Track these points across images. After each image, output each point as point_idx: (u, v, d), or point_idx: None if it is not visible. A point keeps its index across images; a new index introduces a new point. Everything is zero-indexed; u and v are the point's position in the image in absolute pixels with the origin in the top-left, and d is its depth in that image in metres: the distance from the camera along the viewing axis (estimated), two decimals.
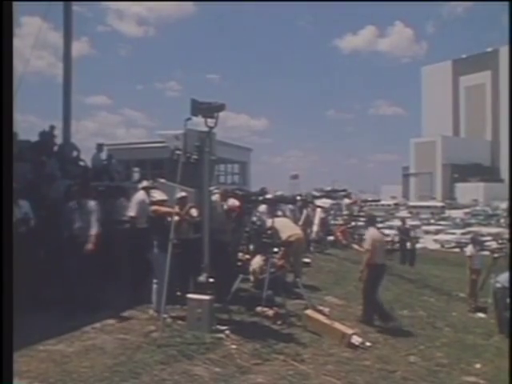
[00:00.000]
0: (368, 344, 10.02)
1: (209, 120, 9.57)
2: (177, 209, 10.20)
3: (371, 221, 13.01)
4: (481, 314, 15.71)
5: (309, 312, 10.61)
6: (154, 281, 9.86)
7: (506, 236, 51.64)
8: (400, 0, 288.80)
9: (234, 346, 8.58)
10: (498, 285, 13.88)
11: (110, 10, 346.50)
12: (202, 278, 9.38)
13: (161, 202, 10.17)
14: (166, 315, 9.25)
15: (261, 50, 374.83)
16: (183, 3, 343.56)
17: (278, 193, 16.38)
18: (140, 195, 11.46)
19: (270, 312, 10.43)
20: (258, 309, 10.54)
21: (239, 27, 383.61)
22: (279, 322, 10.26)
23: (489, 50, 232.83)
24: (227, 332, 9.08)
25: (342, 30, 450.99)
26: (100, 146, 19.07)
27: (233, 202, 12.55)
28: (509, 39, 13.40)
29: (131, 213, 11.36)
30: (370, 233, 12.16)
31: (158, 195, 10.39)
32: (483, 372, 9.91)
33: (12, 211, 7.03)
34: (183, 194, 10.51)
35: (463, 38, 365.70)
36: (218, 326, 9.20)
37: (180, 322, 9.42)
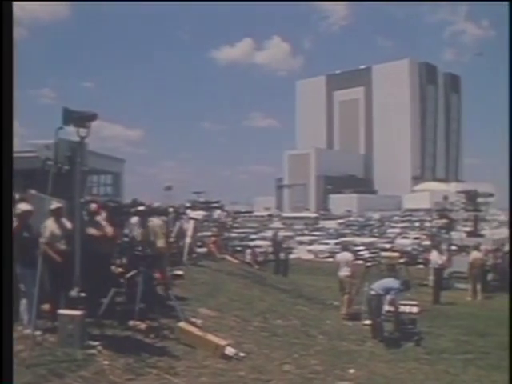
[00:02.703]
0: (242, 354, 10.07)
1: (81, 129, 9.32)
2: (51, 220, 9.92)
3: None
4: (354, 321, 16.10)
5: (182, 324, 10.54)
6: (22, 296, 9.50)
7: (379, 245, 53.51)
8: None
9: (106, 362, 8.37)
10: (373, 292, 14.32)
11: None
12: (74, 293, 9.13)
13: (25, 214, 9.80)
14: (37, 333, 8.93)
15: (138, 59, 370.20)
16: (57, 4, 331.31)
17: (155, 204, 16.27)
18: None
19: (143, 325, 10.31)
20: (131, 323, 10.38)
21: (116, 35, 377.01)
22: (152, 336, 10.15)
23: (362, 67, 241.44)
24: (99, 348, 8.86)
25: (219, 42, 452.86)
26: None
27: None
28: (508, 39, 13.83)
29: None
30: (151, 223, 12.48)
31: (22, 206, 10.00)
32: (357, 377, 10.24)
33: (12, 212, 6.72)
34: (59, 204, 10.17)
35: (338, 54, 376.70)
36: (90, 342, 8.96)
37: (51, 339, 9.12)
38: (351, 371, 10.54)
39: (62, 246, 10.16)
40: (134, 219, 13.39)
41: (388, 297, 14.18)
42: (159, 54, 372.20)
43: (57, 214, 10.16)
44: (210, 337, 10.16)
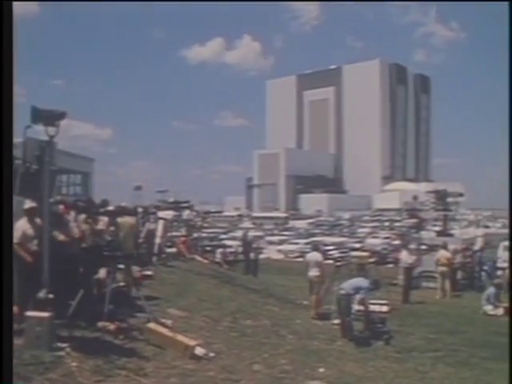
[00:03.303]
0: (212, 355, 10.08)
1: (49, 128, 9.19)
2: (24, 220, 9.82)
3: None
4: (324, 321, 16.14)
5: (151, 325, 10.50)
6: None
7: (349, 245, 53.81)
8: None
9: (74, 364, 8.28)
10: (342, 291, 14.36)
11: None
12: (42, 295, 9.03)
13: None
14: None
15: (109, 57, 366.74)
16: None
17: (124, 204, 16.20)
18: None
19: (112, 326, 10.23)
20: (100, 324, 10.29)
21: (86, 32, 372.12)
22: (121, 337, 10.08)
23: (332, 67, 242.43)
24: (68, 349, 8.76)
25: (190, 41, 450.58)
26: None
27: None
28: (508, 39, 13.97)
29: None
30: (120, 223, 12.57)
31: None
32: (326, 375, 10.32)
33: (12, 212, 6.65)
34: (32, 204, 10.04)
35: (309, 54, 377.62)
36: (59, 344, 8.86)
37: (18, 341, 8.98)
38: (321, 370, 10.61)
39: (34, 247, 10.05)
40: (104, 219, 13.33)
41: (358, 296, 14.26)
42: (130, 53, 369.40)
43: (30, 213, 10.04)
44: (180, 337, 10.13)
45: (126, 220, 14.27)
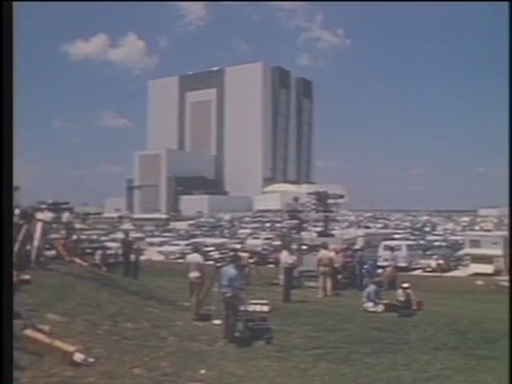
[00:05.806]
0: (91, 360, 9.92)
1: None
2: None
3: None
4: (205, 322, 16.17)
5: (28, 332, 10.19)
6: None
7: (229, 246, 54.11)
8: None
9: None
10: (228, 295, 14.43)
11: None
12: None
13: None
14: None
15: None
16: None
17: None
18: None
19: None
20: None
21: None
22: None
23: (215, 68, 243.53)
24: None
25: (71, 35, 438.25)
26: None
27: None
28: (508, 39, 14.22)
29: None
30: None
31: None
32: (208, 377, 10.48)
33: (12, 213, 6.19)
34: None
35: (193, 54, 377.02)
36: None
37: None
38: (202, 372, 10.70)
39: None
40: None
41: (231, 291, 14.42)
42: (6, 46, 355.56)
43: None
44: (58, 343, 9.89)
45: None
